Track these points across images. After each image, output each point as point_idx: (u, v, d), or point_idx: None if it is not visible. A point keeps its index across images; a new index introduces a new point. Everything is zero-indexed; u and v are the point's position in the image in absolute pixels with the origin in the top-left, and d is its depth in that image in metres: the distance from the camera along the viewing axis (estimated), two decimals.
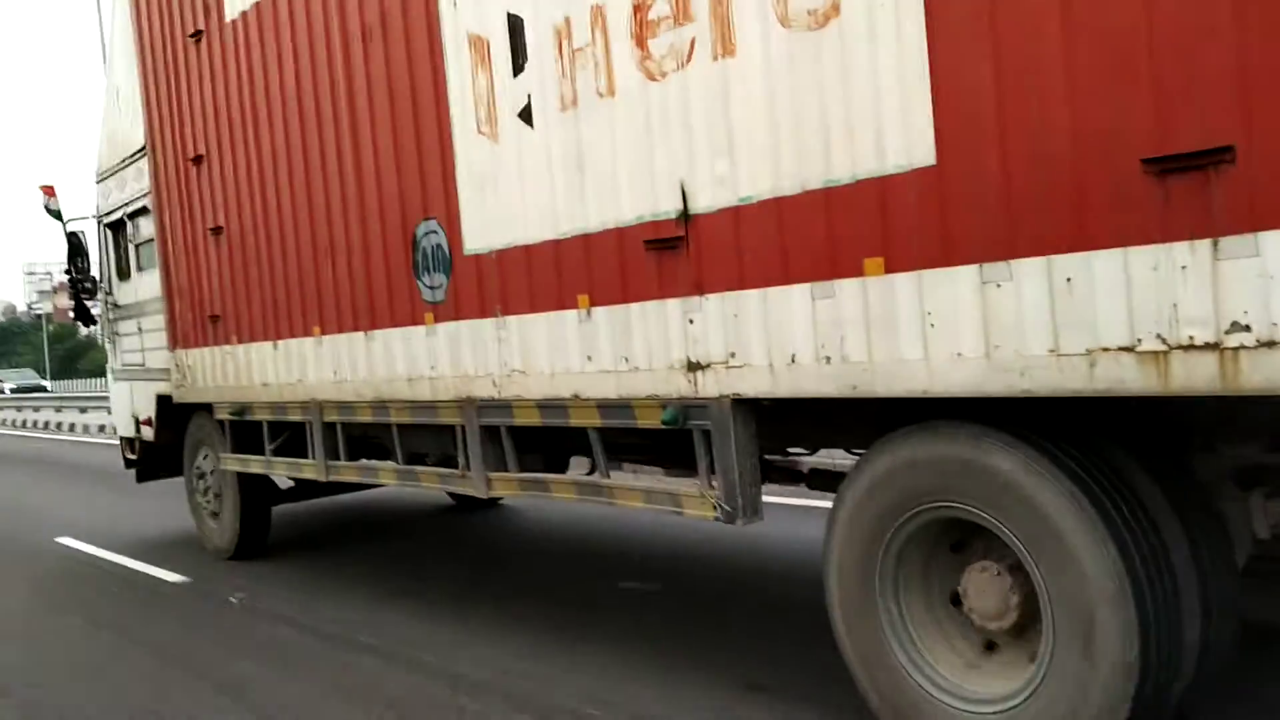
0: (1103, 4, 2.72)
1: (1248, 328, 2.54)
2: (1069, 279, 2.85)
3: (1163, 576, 3.06)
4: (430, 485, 5.84)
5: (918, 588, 3.60)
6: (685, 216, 3.90)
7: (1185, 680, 3.17)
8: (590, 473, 4.80)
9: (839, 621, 3.74)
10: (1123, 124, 2.71)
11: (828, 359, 3.49)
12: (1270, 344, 2.51)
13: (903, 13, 3.12)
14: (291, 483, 8.07)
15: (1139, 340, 2.73)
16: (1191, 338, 2.64)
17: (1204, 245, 2.60)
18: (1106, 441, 3.24)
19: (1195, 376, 2.64)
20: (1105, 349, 2.80)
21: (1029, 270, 2.94)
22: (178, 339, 7.78)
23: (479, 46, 4.71)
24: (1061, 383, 2.91)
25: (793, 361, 3.61)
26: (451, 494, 9.14)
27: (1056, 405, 3.11)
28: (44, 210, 8.71)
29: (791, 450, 4.86)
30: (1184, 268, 2.64)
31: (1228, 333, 2.57)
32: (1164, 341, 2.69)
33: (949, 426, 3.34)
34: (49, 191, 8.81)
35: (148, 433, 8.71)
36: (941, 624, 3.58)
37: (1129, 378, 2.77)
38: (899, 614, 3.58)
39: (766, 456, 5.01)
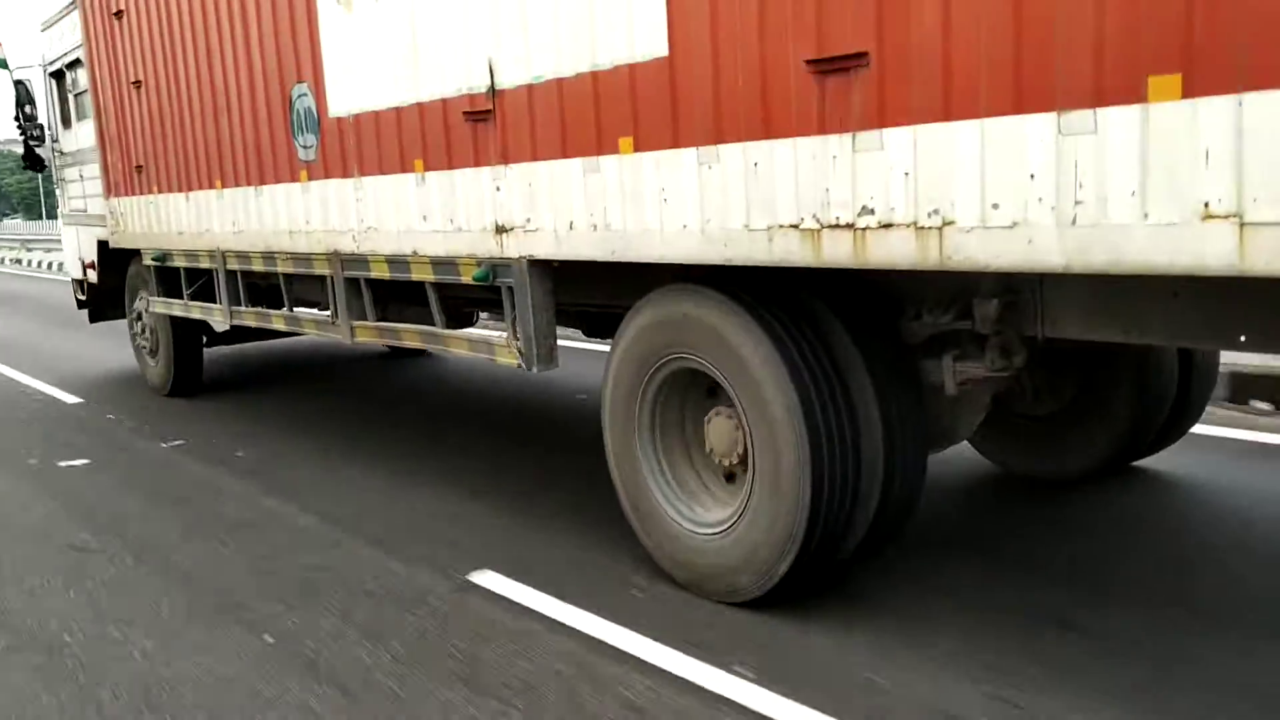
0: None
1: (872, 211, 2.98)
2: (756, 164, 3.27)
3: (844, 431, 3.51)
4: (310, 331, 6.36)
5: (674, 424, 4.12)
6: (493, 91, 4.28)
7: (858, 532, 3.66)
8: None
9: (608, 443, 4.27)
10: (795, 28, 3.08)
11: (594, 226, 3.93)
12: (887, 225, 2.95)
13: None
14: (228, 326, 8.59)
15: (802, 219, 3.17)
16: (837, 218, 3.07)
17: (848, 139, 3.01)
18: (822, 308, 3.68)
19: (838, 251, 3.09)
20: (780, 226, 3.24)
21: (730, 155, 3.35)
22: (111, 187, 8.21)
23: None
24: (752, 254, 3.36)
25: (570, 228, 4.05)
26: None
27: (784, 275, 3.54)
28: None
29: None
30: (835, 157, 3.06)
31: (859, 215, 3.01)
32: (818, 221, 3.13)
33: (685, 289, 3.81)
34: None
35: (92, 275, 9.23)
36: (690, 455, 4.12)
37: (795, 251, 3.21)
38: (653, 445, 4.11)
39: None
